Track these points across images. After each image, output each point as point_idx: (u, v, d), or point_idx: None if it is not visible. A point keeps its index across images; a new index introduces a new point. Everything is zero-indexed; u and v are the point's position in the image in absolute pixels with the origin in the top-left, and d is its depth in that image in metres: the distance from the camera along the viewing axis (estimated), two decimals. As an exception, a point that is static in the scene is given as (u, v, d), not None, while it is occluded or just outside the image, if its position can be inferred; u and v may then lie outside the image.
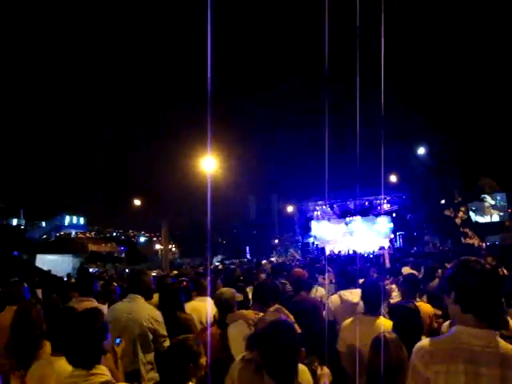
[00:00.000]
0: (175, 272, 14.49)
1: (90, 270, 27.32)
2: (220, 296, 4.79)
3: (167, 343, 4.51)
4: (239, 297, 5.26)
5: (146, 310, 4.71)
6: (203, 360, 3.09)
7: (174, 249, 54.67)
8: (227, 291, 4.91)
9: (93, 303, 5.12)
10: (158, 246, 57.22)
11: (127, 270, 23.56)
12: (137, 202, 44.47)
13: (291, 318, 4.36)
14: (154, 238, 62.86)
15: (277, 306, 4.56)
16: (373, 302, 4.32)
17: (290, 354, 2.52)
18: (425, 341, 2.34)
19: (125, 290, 5.87)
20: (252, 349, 3.03)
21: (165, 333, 4.64)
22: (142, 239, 64.00)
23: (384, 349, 2.96)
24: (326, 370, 3.38)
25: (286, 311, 4.48)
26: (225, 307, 4.63)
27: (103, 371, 2.68)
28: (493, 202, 40.94)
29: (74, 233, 65.70)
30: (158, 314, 4.74)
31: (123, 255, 47.71)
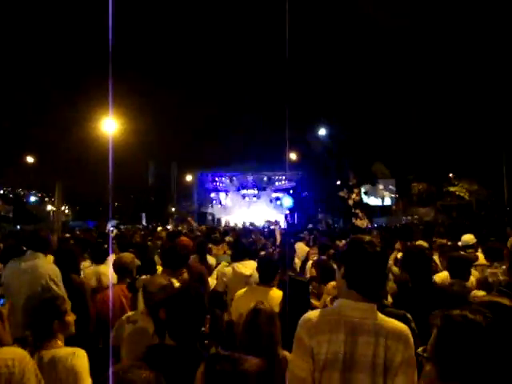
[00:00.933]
0: (68, 235, 14.10)
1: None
2: (120, 260, 4.83)
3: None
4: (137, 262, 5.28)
5: (47, 269, 4.68)
6: (70, 318, 3.17)
7: (66, 211, 52.86)
8: (127, 256, 4.96)
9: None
10: (49, 207, 55.10)
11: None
12: (29, 159, 42.33)
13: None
14: (47, 199, 60.22)
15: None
16: (267, 273, 4.48)
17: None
18: (310, 313, 2.48)
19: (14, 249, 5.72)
20: None
21: (61, 292, 4.53)
22: (33, 199, 61.02)
23: (256, 320, 3.10)
24: None
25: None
26: (124, 271, 4.68)
27: None
28: (383, 187, 43.19)
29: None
30: (58, 274, 4.70)
31: (11, 214, 45.50)
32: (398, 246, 6.89)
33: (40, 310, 3.06)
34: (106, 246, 6.59)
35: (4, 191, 58.16)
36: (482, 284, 5.11)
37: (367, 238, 2.51)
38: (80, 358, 2.91)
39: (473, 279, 5.13)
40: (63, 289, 4.65)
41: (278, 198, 41.36)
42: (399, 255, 5.82)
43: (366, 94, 37.86)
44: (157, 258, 5.89)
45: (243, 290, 4.57)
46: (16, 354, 2.52)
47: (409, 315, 2.88)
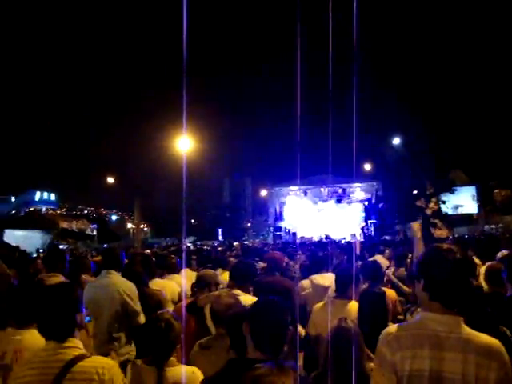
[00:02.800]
0: (148, 251, 14.44)
1: (60, 246, 27.05)
2: (202, 275, 4.88)
3: (141, 318, 4.58)
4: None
5: (120, 285, 4.75)
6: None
7: (145, 228, 54.42)
8: (209, 272, 5.02)
9: (61, 279, 5.06)
10: (129, 225, 56.92)
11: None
12: (110, 180, 43.97)
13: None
14: (126, 217, 62.33)
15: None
16: (345, 286, 4.39)
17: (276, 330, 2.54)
18: (392, 327, 2.39)
19: (99, 267, 5.93)
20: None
21: (137, 308, 4.67)
22: (114, 217, 63.32)
23: (341, 338, 3.01)
24: None
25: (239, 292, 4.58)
26: (204, 286, 4.72)
27: (77, 344, 2.65)
28: (463, 195, 41.72)
29: (44, 209, 64.59)
30: (132, 288, 4.77)
31: (94, 233, 47.33)
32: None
33: (166, 331, 3.17)
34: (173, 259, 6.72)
35: (88, 211, 60.79)
36: None
37: (445, 245, 2.39)
38: (200, 376, 3.04)
39: None
40: (139, 304, 4.73)
41: (352, 210, 40.77)
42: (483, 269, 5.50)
43: (441, 100, 36.87)
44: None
45: (321, 303, 4.50)
46: (107, 363, 2.61)
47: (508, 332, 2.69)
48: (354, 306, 4.18)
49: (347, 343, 2.99)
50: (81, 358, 2.57)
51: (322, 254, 7.83)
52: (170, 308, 5.01)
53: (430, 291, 2.28)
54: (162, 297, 5.04)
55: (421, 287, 2.33)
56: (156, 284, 5.63)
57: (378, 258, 9.66)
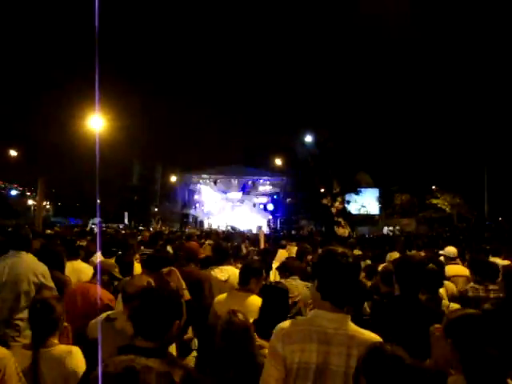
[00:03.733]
0: (49, 231, 14.00)
1: None
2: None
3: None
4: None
5: (33, 265, 4.67)
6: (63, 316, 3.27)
7: (48, 206, 52.34)
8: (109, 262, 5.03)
9: None
10: (31, 202, 54.57)
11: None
12: (12, 152, 41.90)
13: (182, 282, 4.53)
14: (28, 193, 59.60)
15: (171, 268, 4.79)
16: (248, 278, 4.50)
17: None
18: (284, 322, 2.51)
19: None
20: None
21: (52, 284, 4.62)
22: (14, 192, 60.29)
23: (230, 330, 3.11)
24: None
25: (179, 275, 4.69)
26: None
27: None
28: (367, 196, 43.50)
29: None
30: (45, 269, 4.70)
31: (-10, 207, 45.01)
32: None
33: (42, 309, 3.14)
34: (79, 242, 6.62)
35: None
36: (456, 297, 5.20)
37: (340, 249, 2.54)
38: (77, 356, 3.05)
39: (442, 291, 5.19)
40: (52, 284, 4.66)
41: (262, 204, 41.37)
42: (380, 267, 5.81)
43: (354, 104, 38.17)
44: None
45: (224, 295, 4.58)
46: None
47: None
48: (254, 299, 4.26)
49: (236, 335, 3.08)
50: None
51: (225, 244, 7.89)
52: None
53: (321, 291, 2.43)
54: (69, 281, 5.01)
55: (315, 287, 2.49)
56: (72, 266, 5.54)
57: (281, 252, 9.89)
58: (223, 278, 5.52)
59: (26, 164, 45.83)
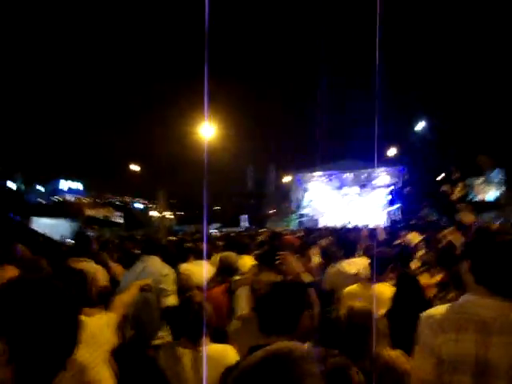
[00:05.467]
0: (172, 238, 14.51)
1: (87, 233, 27.28)
2: (225, 259, 4.90)
3: (172, 299, 4.68)
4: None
5: (156, 268, 4.92)
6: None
7: (171, 216, 54.81)
8: (232, 255, 5.04)
9: (91, 263, 5.11)
10: (153, 213, 57.39)
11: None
12: (134, 168, 44.29)
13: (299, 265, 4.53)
14: (150, 205, 62.84)
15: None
16: (380, 269, 4.35)
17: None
18: (432, 309, 2.30)
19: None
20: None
21: (168, 287, 4.76)
22: (139, 206, 63.91)
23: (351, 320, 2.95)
24: None
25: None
26: (228, 270, 4.75)
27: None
28: (490, 180, 41.06)
29: (69, 197, 65.33)
30: (166, 270, 4.93)
31: (119, 220, 47.86)
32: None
33: (198, 312, 3.23)
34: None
35: (113, 199, 61.52)
36: None
37: (495, 227, 2.30)
38: (233, 354, 3.08)
39: None
40: (173, 287, 4.83)
41: (380, 196, 40.42)
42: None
43: (464, 83, 36.21)
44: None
45: (354, 286, 4.46)
46: None
47: None
48: (385, 288, 4.11)
49: (361, 324, 2.92)
50: None
51: (352, 236, 7.73)
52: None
53: (476, 273, 2.18)
54: (190, 281, 5.11)
55: (467, 269, 2.24)
56: (184, 268, 5.67)
57: (413, 235, 9.57)
58: (352, 271, 5.36)
59: (146, 178, 48.32)
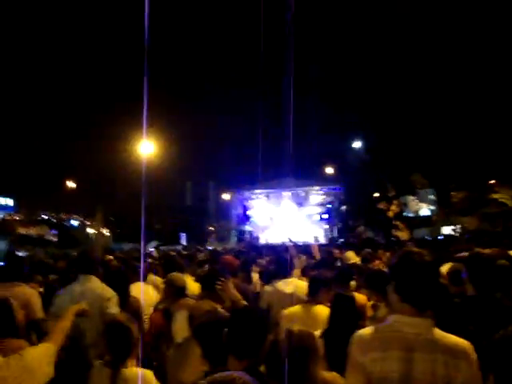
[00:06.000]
0: (110, 257, 14.23)
1: (20, 253, 26.33)
2: (174, 281, 4.86)
3: None
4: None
5: (97, 291, 4.76)
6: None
7: (107, 233, 53.66)
8: (180, 276, 5.01)
9: (23, 288, 4.93)
10: (90, 230, 56.02)
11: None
12: (70, 185, 43.27)
13: (237, 293, 4.52)
14: (87, 222, 61.35)
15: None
16: (317, 290, 4.46)
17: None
18: (363, 330, 2.43)
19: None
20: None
21: (114, 311, 4.62)
22: (75, 223, 62.21)
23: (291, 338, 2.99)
24: None
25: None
26: (176, 292, 4.72)
27: None
28: (422, 197, 42.57)
29: (1, 215, 62.83)
30: (109, 293, 4.78)
31: (54, 239, 46.50)
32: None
33: (119, 332, 3.27)
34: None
35: (47, 216, 59.62)
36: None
37: (415, 249, 2.46)
38: (152, 379, 3.18)
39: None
40: (118, 308, 4.73)
41: (317, 214, 41.11)
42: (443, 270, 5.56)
43: (400, 104, 37.52)
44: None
45: (293, 308, 4.56)
46: None
47: None
48: (323, 309, 4.20)
49: (300, 346, 2.95)
50: None
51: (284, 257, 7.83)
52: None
53: (400, 293, 2.32)
54: (140, 303, 5.04)
55: (392, 289, 2.37)
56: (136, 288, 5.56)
57: (349, 254, 9.76)
58: (289, 291, 5.44)
59: (82, 194, 47.29)
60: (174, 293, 4.86)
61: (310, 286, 4.62)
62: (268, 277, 6.48)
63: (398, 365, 2.18)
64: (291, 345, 2.93)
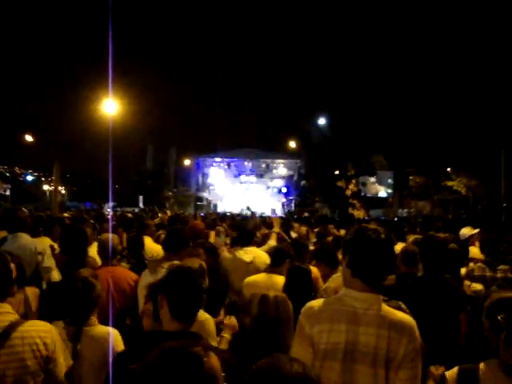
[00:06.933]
0: (66, 214, 14.09)
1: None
2: (107, 241, 4.80)
3: (55, 274, 4.66)
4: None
5: (31, 244, 4.76)
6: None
7: (63, 191, 52.66)
8: (114, 237, 4.94)
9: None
10: (46, 187, 54.87)
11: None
12: (28, 138, 42.11)
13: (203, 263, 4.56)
14: (43, 178, 59.91)
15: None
16: (280, 261, 4.61)
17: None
18: (312, 302, 2.50)
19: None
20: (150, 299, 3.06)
21: (49, 264, 4.70)
22: (30, 178, 60.61)
23: (267, 303, 3.04)
24: (233, 320, 3.52)
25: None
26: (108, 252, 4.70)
27: (9, 309, 2.59)
28: (381, 179, 43.31)
29: None
30: (43, 246, 4.86)
31: (7, 193, 45.44)
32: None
33: (84, 287, 3.16)
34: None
35: (1, 170, 58.01)
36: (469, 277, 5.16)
37: (372, 226, 2.53)
38: (117, 337, 3.11)
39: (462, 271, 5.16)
40: (52, 260, 4.77)
41: (276, 187, 41.35)
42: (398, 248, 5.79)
43: (368, 85, 37.83)
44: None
45: (253, 276, 4.71)
46: (46, 326, 2.64)
47: (403, 305, 2.87)
48: (282, 279, 4.33)
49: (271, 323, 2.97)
50: (19, 323, 2.54)
51: (251, 225, 7.93)
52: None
53: (352, 268, 2.40)
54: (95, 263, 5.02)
55: (345, 264, 2.46)
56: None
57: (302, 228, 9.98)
58: (248, 260, 5.55)
59: (40, 149, 46.17)
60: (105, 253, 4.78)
61: (274, 257, 4.73)
62: (233, 244, 6.59)
63: (344, 337, 2.28)
64: (267, 311, 2.98)
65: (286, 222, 11.27)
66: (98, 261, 5.03)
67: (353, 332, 2.30)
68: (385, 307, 2.37)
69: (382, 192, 44.96)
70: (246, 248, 5.76)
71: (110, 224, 7.10)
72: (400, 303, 2.72)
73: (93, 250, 5.26)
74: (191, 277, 2.58)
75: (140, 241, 5.67)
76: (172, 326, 2.43)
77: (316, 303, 2.46)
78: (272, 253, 4.86)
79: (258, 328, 2.96)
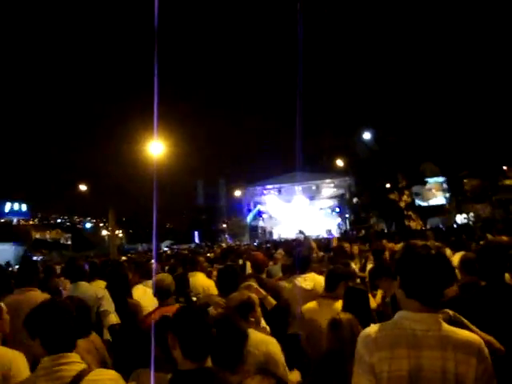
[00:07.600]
0: (124, 258, 14.34)
1: (35, 258, 26.59)
2: (161, 282, 4.72)
3: (112, 318, 4.77)
4: None
5: (90, 291, 4.93)
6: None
7: (120, 234, 53.86)
8: (167, 277, 4.86)
9: (35, 293, 4.94)
10: (104, 232, 56.29)
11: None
12: (82, 188, 43.41)
13: (262, 292, 4.45)
14: (101, 224, 61.58)
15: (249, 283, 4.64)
16: (334, 284, 4.46)
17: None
18: (370, 328, 2.35)
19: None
20: None
21: (109, 308, 4.83)
22: (88, 225, 62.43)
23: (340, 329, 2.98)
24: (296, 375, 3.45)
25: (256, 285, 4.62)
26: (164, 293, 4.62)
27: (77, 359, 2.59)
28: (434, 186, 42.33)
29: (15, 220, 63.00)
30: (102, 291, 5.00)
31: (69, 242, 46.84)
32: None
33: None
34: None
35: (61, 220, 60.02)
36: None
37: (420, 242, 2.38)
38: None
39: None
40: (111, 303, 4.92)
41: (329, 207, 41.06)
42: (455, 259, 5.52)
43: (407, 93, 37.34)
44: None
45: (311, 303, 4.55)
46: (113, 375, 2.62)
47: (457, 314, 2.68)
48: (340, 304, 4.18)
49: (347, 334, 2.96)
50: (86, 371, 2.51)
51: (306, 252, 7.81)
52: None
53: (405, 289, 2.25)
54: (139, 308, 4.99)
55: (398, 285, 2.31)
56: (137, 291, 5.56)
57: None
58: (308, 287, 5.41)
59: (95, 197, 47.55)
60: (161, 294, 4.72)
61: (327, 280, 4.58)
62: (285, 271, 6.49)
63: (407, 363, 2.12)
64: (341, 333, 2.95)
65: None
66: (145, 302, 4.98)
67: (415, 357, 2.12)
68: (446, 326, 2.19)
69: (440, 198, 43.81)
70: (304, 275, 5.63)
71: (154, 264, 7.10)
72: (450, 311, 2.56)
73: (137, 293, 5.36)
74: (200, 316, 2.53)
75: (185, 278, 5.65)
76: (185, 365, 2.38)
77: (372, 329, 2.29)
78: (326, 276, 4.70)
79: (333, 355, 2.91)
